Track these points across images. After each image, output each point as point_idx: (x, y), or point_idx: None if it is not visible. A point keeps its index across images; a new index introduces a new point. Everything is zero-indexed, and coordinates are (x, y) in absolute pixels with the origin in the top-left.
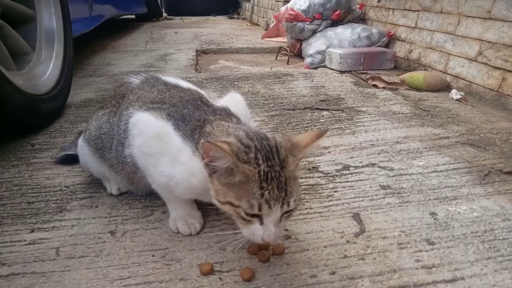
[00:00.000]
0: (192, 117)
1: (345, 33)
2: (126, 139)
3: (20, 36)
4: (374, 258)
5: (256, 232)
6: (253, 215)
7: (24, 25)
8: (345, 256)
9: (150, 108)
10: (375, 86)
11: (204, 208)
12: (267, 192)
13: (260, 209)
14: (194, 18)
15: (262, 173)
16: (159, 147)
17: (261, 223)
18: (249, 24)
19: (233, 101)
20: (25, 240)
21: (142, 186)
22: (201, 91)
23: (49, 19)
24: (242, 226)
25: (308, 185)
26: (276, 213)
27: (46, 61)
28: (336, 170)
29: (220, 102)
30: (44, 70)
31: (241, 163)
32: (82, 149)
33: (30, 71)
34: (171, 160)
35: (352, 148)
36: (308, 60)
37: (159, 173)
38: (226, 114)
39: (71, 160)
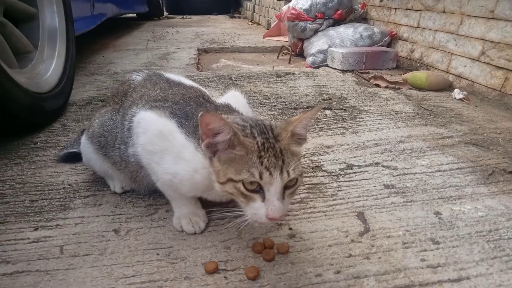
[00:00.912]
0: (194, 114)
1: (347, 32)
2: (130, 138)
3: (23, 34)
4: (379, 257)
5: (259, 210)
6: (254, 191)
7: (26, 24)
8: (350, 255)
9: (153, 106)
10: (377, 85)
11: (208, 207)
12: (265, 159)
13: (261, 177)
14: (195, 17)
15: (259, 143)
16: (163, 145)
17: (263, 199)
18: (250, 23)
19: (233, 98)
20: (29, 238)
21: (145, 184)
22: (203, 89)
23: (51, 18)
24: (244, 206)
25: (312, 184)
26: (277, 181)
27: (48, 60)
28: (340, 169)
29: (221, 100)
30: (47, 68)
31: (239, 134)
32: (85, 147)
33: (32, 69)
34: (175, 158)
35: (356, 147)
36: (310, 59)
37: (163, 171)
38: (228, 110)
39: (74, 158)
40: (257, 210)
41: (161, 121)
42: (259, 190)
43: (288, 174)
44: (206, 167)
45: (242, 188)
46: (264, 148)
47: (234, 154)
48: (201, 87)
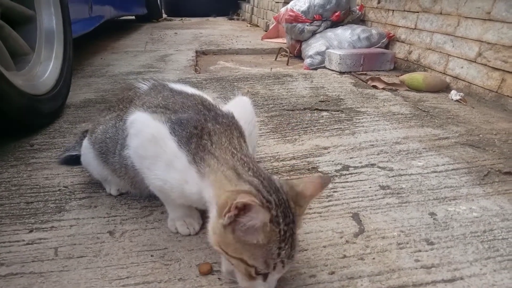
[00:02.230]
0: (189, 122)
1: (345, 34)
2: (125, 140)
3: (20, 36)
4: (374, 258)
5: (257, 287)
6: (259, 273)
7: (24, 26)
8: (344, 256)
9: (152, 112)
10: (374, 87)
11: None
12: (284, 252)
13: (274, 268)
14: (194, 19)
15: (282, 232)
16: (155, 151)
17: (264, 279)
18: (248, 25)
19: (240, 105)
20: (23, 240)
21: (145, 189)
22: (207, 96)
23: (49, 20)
24: (242, 281)
25: None
26: (285, 269)
27: (45, 62)
28: (336, 171)
29: (228, 105)
30: (44, 70)
31: (270, 223)
32: (86, 150)
33: (29, 71)
34: (165, 165)
35: (352, 149)
36: (307, 61)
37: (154, 176)
38: (228, 123)
39: (75, 161)
40: (255, 286)
41: (154, 124)
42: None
43: (293, 258)
44: (199, 184)
45: (252, 272)
46: (285, 238)
47: (255, 241)
48: (204, 95)
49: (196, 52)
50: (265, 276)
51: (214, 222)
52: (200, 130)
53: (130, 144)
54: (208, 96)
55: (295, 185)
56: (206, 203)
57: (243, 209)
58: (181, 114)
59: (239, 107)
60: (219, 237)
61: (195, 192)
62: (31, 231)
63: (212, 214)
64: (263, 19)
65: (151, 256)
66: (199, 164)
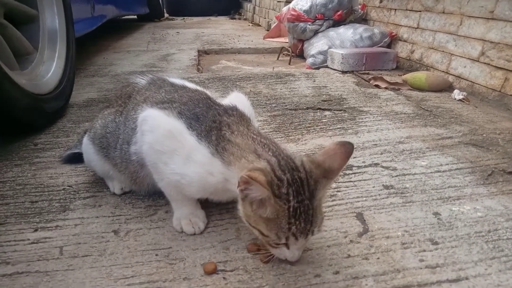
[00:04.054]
0: (206, 116)
1: (347, 33)
2: (133, 136)
3: (23, 36)
4: (378, 258)
5: (282, 253)
6: (280, 243)
7: (27, 25)
8: (349, 256)
9: (161, 108)
10: (377, 86)
11: (208, 208)
12: (294, 227)
13: (287, 240)
14: (195, 19)
15: (291, 209)
16: (172, 146)
17: (287, 247)
18: (250, 24)
19: (237, 100)
20: (28, 239)
21: (146, 185)
22: (208, 92)
23: (52, 19)
24: (270, 248)
25: None
26: (301, 243)
27: (48, 61)
28: None
29: (225, 100)
30: (47, 70)
31: (274, 197)
32: (87, 148)
33: (33, 70)
34: (184, 159)
35: (355, 148)
36: (310, 60)
37: (170, 171)
38: (239, 115)
39: (78, 158)
40: (281, 253)
41: (170, 120)
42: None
43: (313, 233)
44: (224, 173)
45: (270, 241)
46: (295, 214)
47: (265, 213)
48: (205, 90)
49: (198, 51)
50: (287, 245)
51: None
52: (219, 123)
53: (143, 140)
54: (207, 91)
55: (321, 163)
56: (233, 191)
57: (247, 183)
58: (191, 107)
59: (238, 102)
60: (243, 210)
61: (221, 181)
62: (36, 230)
63: None
64: (265, 18)
65: (156, 255)
66: (222, 154)
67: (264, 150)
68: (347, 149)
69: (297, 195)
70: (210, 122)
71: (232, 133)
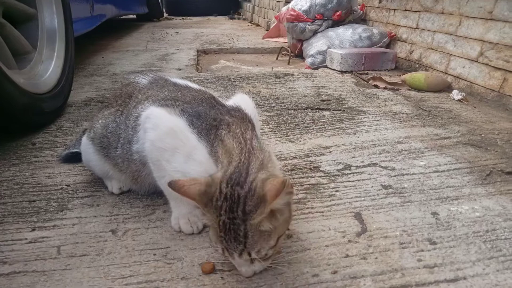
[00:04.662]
0: (208, 115)
1: (346, 33)
2: (135, 135)
3: (22, 35)
4: (376, 258)
5: (236, 265)
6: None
7: (25, 24)
8: (347, 256)
9: (163, 104)
10: (376, 86)
11: None
12: (224, 241)
13: (223, 252)
14: (195, 18)
15: (221, 223)
16: (174, 143)
17: (233, 260)
18: (250, 24)
19: (243, 101)
20: (26, 239)
21: (147, 185)
22: (212, 92)
23: (50, 18)
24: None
25: (309, 184)
26: (236, 259)
27: (47, 60)
28: (338, 170)
29: (230, 102)
30: (46, 69)
31: (208, 208)
32: (86, 147)
33: (31, 70)
34: (185, 157)
35: (354, 148)
36: (309, 60)
37: (173, 169)
38: (241, 116)
39: (76, 158)
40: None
41: (172, 118)
42: None
43: (250, 255)
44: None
45: (213, 244)
46: (225, 229)
47: (206, 219)
48: (209, 91)
49: (197, 51)
50: (232, 257)
51: None
52: (219, 122)
53: (147, 138)
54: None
55: (265, 185)
56: None
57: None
58: (194, 105)
59: (242, 103)
60: None
61: None
62: (33, 229)
63: None
64: (264, 18)
65: (154, 255)
66: (215, 154)
67: (235, 157)
68: (282, 186)
69: (230, 211)
70: (211, 121)
71: (228, 133)
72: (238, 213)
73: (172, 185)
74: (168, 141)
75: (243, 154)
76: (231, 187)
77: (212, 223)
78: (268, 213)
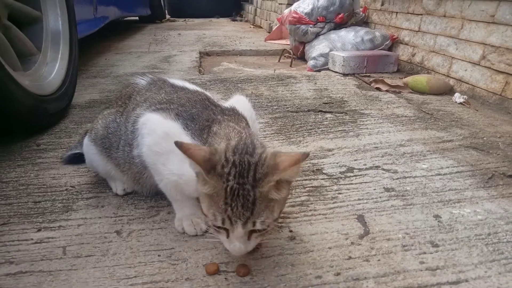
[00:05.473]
0: (200, 116)
1: (348, 36)
2: (134, 140)
3: (27, 37)
4: (379, 260)
5: (224, 243)
6: (220, 227)
7: (30, 26)
8: (350, 258)
9: (159, 108)
10: (378, 89)
11: None
12: (230, 208)
13: (223, 223)
14: (197, 20)
15: (229, 189)
16: (169, 147)
17: (227, 236)
18: (252, 26)
19: (238, 103)
20: (32, 239)
21: (148, 186)
22: (208, 93)
23: (55, 21)
24: (214, 232)
25: (312, 187)
26: (238, 230)
27: (51, 62)
28: (340, 172)
29: (226, 104)
30: (50, 71)
31: (211, 175)
32: (88, 148)
33: (36, 71)
34: (180, 159)
35: (356, 151)
36: (311, 62)
37: (169, 172)
38: (234, 114)
39: (79, 159)
40: (222, 241)
41: (167, 123)
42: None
43: (254, 225)
44: None
45: (209, 223)
46: (233, 195)
47: (206, 190)
48: (205, 92)
49: (200, 53)
50: (227, 233)
51: None
52: (211, 122)
53: (143, 143)
54: (209, 93)
55: (278, 156)
56: None
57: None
58: (188, 108)
59: (239, 104)
60: (196, 187)
61: None
62: (39, 230)
63: None
64: (266, 20)
65: (158, 255)
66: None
67: (235, 136)
68: (302, 156)
69: (239, 177)
70: (204, 121)
71: (220, 127)
72: (248, 179)
73: (178, 145)
74: (164, 144)
75: (244, 134)
76: (240, 155)
77: (213, 192)
78: (276, 182)
